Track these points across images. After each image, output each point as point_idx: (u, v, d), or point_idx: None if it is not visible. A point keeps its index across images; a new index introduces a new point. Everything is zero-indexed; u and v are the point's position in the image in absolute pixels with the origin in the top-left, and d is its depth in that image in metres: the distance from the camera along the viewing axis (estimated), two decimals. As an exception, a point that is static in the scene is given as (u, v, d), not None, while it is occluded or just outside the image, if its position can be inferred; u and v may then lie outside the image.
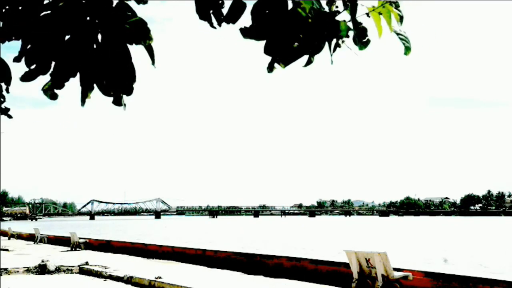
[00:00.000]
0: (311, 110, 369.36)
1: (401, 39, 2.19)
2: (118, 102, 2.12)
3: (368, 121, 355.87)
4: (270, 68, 2.10)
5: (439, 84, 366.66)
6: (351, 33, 2.11)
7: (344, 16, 2.10)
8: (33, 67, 2.05)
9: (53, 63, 2.07)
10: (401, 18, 2.18)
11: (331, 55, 2.10)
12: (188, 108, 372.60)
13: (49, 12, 2.01)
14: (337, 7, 2.09)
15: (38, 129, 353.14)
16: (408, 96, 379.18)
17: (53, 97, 2.10)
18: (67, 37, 2.04)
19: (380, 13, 2.13)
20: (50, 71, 2.07)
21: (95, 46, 2.05)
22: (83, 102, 2.11)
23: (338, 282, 11.32)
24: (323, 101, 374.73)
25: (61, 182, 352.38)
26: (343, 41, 2.11)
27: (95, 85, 2.11)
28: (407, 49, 2.19)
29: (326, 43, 2.10)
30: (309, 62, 2.12)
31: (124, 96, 2.13)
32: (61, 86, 2.08)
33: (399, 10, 2.17)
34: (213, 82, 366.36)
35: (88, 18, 2.02)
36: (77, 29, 2.03)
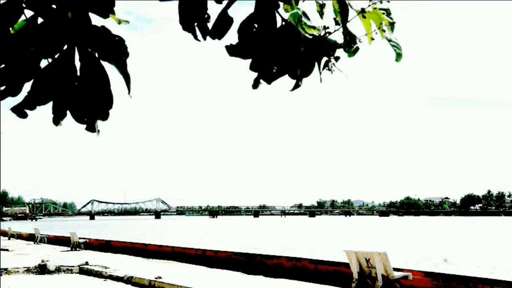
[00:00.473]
0: (311, 110, 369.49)
1: (392, 45, 2.16)
2: (91, 128, 2.02)
3: (368, 121, 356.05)
4: (256, 84, 2.06)
5: (438, 84, 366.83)
6: (339, 52, 2.07)
7: (332, 27, 2.07)
8: (2, 88, 1.94)
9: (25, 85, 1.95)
10: (392, 25, 2.15)
11: (320, 73, 2.06)
12: (188, 108, 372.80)
13: (24, 32, 1.91)
14: (328, 27, 2.04)
15: (38, 129, 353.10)
16: (408, 96, 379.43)
17: (23, 115, 1.98)
18: (43, 61, 1.95)
19: (364, 18, 2.11)
20: (20, 94, 1.96)
21: (72, 71, 1.95)
22: (56, 125, 2.01)
23: (338, 282, 11.32)
24: (323, 101, 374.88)
25: (61, 182, 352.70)
26: (333, 63, 2.07)
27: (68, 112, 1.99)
28: (399, 56, 2.17)
29: (316, 65, 2.05)
30: (296, 86, 2.07)
31: (99, 121, 2.04)
32: (32, 109, 1.98)
33: (390, 17, 2.13)
34: (213, 82, 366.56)
35: (65, 40, 1.93)
36: (55, 51, 1.93)
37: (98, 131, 2.04)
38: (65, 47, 1.95)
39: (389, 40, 2.15)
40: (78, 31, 1.93)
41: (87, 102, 1.98)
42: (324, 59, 2.06)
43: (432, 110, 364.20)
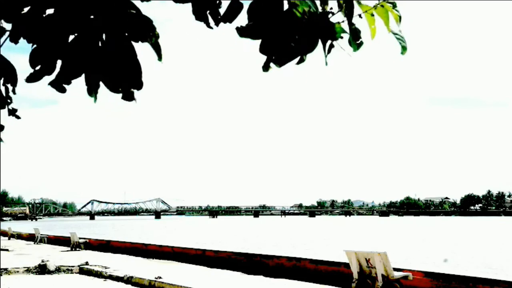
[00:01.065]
0: (311, 110, 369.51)
1: (398, 38, 2.22)
2: (128, 97, 2.10)
3: (368, 121, 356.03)
4: (266, 67, 2.11)
5: (439, 84, 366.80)
6: (344, 35, 2.12)
7: (338, 17, 2.11)
8: (38, 68, 2.04)
9: (58, 63, 2.06)
10: (399, 18, 2.20)
11: (326, 56, 2.11)
12: (188, 108, 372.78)
13: (52, 12, 2.00)
14: (331, 8, 2.10)
15: (38, 129, 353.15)
16: (408, 96, 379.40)
17: (62, 90, 2.09)
18: (71, 37, 2.03)
19: (372, 14, 2.16)
20: (55, 72, 2.06)
21: (100, 45, 2.04)
22: (95, 99, 2.11)
23: (338, 282, 11.32)
24: (323, 101, 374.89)
25: (61, 182, 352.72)
26: (337, 39, 2.12)
27: (101, 83, 2.09)
28: (404, 49, 2.24)
29: (320, 44, 2.11)
30: (301, 60, 2.13)
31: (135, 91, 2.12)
32: (68, 83, 2.08)
33: (397, 10, 2.19)
34: (213, 82, 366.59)
35: (91, 17, 2.01)
36: (81, 28, 2.02)
37: (135, 99, 2.11)
38: (91, 20, 2.02)
39: (394, 33, 2.21)
40: (106, 9, 2.01)
41: (119, 72, 2.06)
42: (329, 42, 2.12)
43: (432, 110, 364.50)
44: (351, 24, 2.10)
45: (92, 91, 2.09)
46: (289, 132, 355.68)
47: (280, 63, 2.10)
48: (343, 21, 2.11)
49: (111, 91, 2.08)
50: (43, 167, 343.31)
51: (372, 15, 2.16)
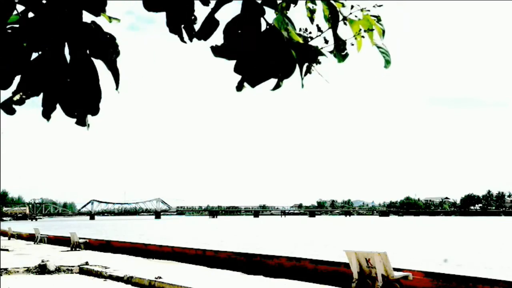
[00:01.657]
0: (311, 110, 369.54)
1: (381, 52, 2.21)
2: (81, 122, 2.05)
3: (368, 121, 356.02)
4: (239, 87, 2.08)
5: (439, 84, 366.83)
6: (322, 58, 2.11)
7: (317, 41, 2.10)
8: None
9: (17, 78, 1.97)
10: (383, 32, 2.20)
11: (302, 79, 2.09)
12: (188, 108, 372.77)
13: (16, 26, 1.94)
14: (310, 32, 2.09)
15: (38, 129, 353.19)
16: (408, 96, 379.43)
17: (11, 112, 1.99)
18: (34, 54, 1.97)
19: (358, 32, 2.15)
20: (11, 87, 1.98)
21: (62, 64, 1.98)
22: (47, 119, 2.03)
23: (338, 282, 11.31)
24: (323, 101, 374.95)
25: (61, 182, 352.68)
26: (317, 64, 2.11)
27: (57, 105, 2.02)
28: (387, 63, 2.22)
29: (297, 68, 2.08)
30: (277, 86, 2.10)
31: (89, 116, 2.06)
32: (22, 103, 1.99)
33: (381, 24, 2.18)
34: (214, 82, 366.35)
35: (56, 34, 1.95)
36: (47, 44, 1.95)
37: (88, 125, 2.06)
38: (55, 41, 1.96)
39: (378, 47, 2.21)
40: (69, 26, 1.95)
41: (77, 96, 2.01)
42: (306, 64, 2.10)
43: (432, 110, 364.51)
44: (335, 35, 2.09)
45: (48, 112, 2.02)
46: (289, 132, 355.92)
47: (252, 84, 2.07)
48: (322, 48, 2.10)
49: (66, 115, 2.02)
50: (43, 167, 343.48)
51: (358, 32, 2.15)
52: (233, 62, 2.07)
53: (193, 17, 2.04)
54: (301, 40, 2.05)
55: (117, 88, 2.05)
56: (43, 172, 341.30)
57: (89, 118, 2.07)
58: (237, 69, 2.07)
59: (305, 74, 2.10)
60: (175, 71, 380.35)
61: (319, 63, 2.10)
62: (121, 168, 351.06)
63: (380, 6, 2.16)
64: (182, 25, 2.04)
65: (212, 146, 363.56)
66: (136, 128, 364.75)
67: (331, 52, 2.12)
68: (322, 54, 2.09)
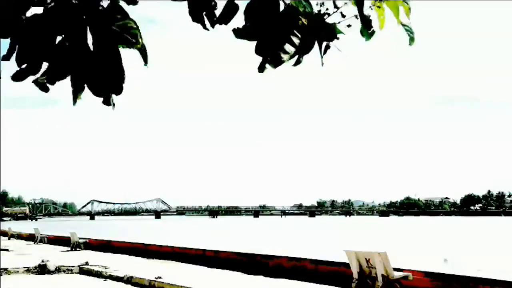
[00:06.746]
0: (311, 110, 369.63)
1: (406, 30, 2.26)
2: (107, 102, 2.15)
3: (368, 121, 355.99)
4: (261, 69, 2.12)
5: (439, 84, 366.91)
6: (354, 27, 2.16)
7: (334, 18, 2.14)
8: (23, 66, 2.05)
9: (44, 64, 2.07)
10: (409, 10, 2.24)
11: (322, 57, 2.15)
12: (188, 108, 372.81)
13: (40, 12, 2.01)
14: (327, 9, 2.13)
15: (38, 129, 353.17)
16: (408, 96, 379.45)
17: (44, 89, 2.12)
18: (58, 38, 2.05)
19: (378, 7, 2.18)
20: (41, 72, 2.08)
21: (85, 48, 2.07)
22: (74, 102, 2.14)
23: (338, 282, 11.32)
24: (323, 101, 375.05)
25: (61, 182, 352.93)
26: (334, 40, 2.16)
27: (85, 86, 2.13)
28: (411, 40, 2.28)
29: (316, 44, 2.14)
30: (298, 62, 2.16)
31: (114, 96, 2.16)
32: (53, 83, 2.11)
33: (406, 3, 2.22)
34: (213, 82, 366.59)
35: (79, 19, 2.03)
36: (69, 30, 2.03)
37: (114, 104, 2.17)
38: (77, 25, 2.06)
39: (404, 25, 2.25)
40: (91, 11, 2.05)
41: (102, 77, 2.11)
42: (325, 43, 2.16)
43: (432, 110, 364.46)
44: (362, 13, 2.14)
45: (77, 93, 2.13)
46: (289, 132, 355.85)
47: (275, 64, 2.12)
48: (339, 22, 2.14)
49: (93, 95, 2.13)
50: (43, 167, 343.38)
51: (379, 6, 2.19)
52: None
53: (213, 3, 2.13)
54: (318, 18, 2.11)
55: (146, 64, 2.18)
56: (43, 172, 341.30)
57: (114, 98, 2.18)
58: (258, 50, 2.12)
59: (325, 52, 2.16)
60: (175, 71, 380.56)
61: (338, 39, 2.15)
62: (121, 168, 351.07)
63: None
64: (204, 13, 2.12)
65: (212, 146, 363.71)
66: (136, 128, 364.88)
67: (341, 32, 2.16)
68: (340, 32, 2.15)
